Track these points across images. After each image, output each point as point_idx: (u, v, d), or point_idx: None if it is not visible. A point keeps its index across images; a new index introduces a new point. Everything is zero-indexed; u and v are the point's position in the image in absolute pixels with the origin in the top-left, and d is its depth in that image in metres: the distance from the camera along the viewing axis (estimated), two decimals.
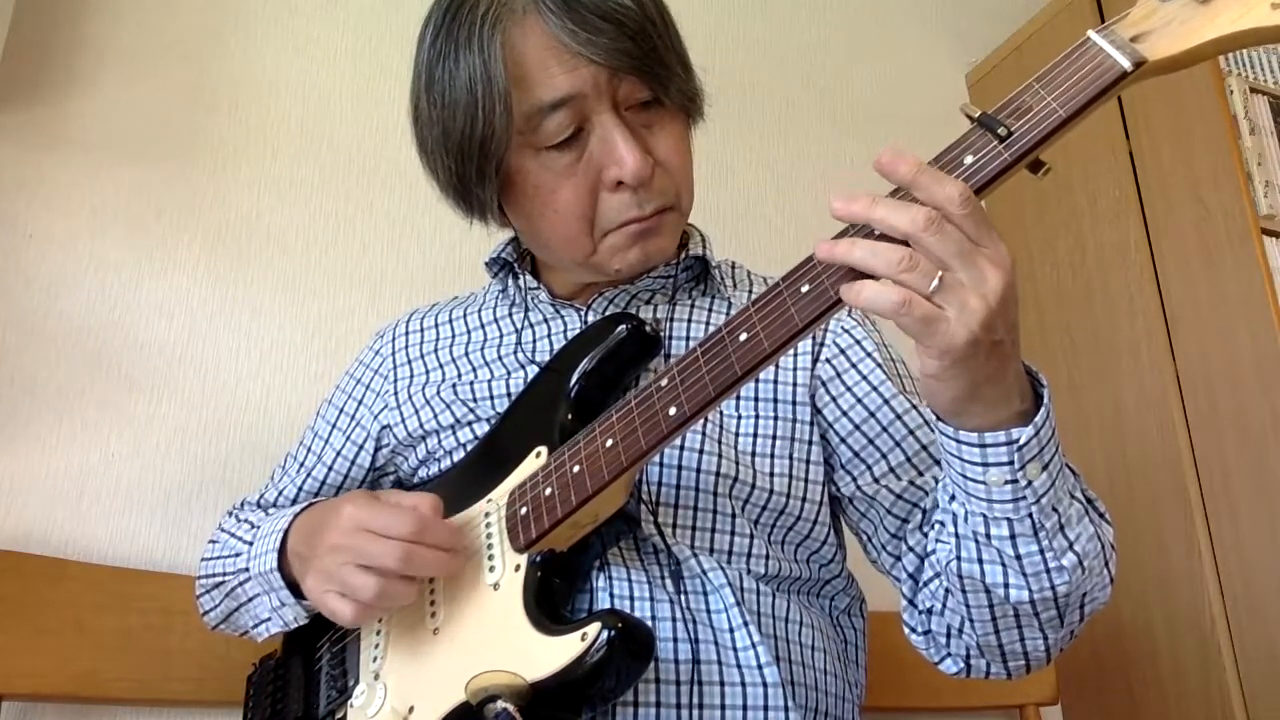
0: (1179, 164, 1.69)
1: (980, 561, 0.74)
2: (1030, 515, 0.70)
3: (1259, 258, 1.54)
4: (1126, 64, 0.61)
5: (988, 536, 0.72)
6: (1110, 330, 1.76)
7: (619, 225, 0.88)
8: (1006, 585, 0.74)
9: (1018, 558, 0.72)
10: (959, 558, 0.75)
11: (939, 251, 0.61)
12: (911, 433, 0.90)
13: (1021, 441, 0.67)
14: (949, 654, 0.84)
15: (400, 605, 0.81)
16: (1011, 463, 0.68)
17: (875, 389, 0.92)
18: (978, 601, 0.77)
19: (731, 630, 0.82)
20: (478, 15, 0.85)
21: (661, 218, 0.89)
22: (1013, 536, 0.71)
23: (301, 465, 1.08)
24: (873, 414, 0.91)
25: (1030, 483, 0.69)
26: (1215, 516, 1.55)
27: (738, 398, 0.91)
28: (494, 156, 0.87)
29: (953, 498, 0.74)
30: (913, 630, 0.86)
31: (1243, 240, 1.56)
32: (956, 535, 0.75)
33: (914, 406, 0.91)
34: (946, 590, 0.79)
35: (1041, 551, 0.72)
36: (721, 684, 0.79)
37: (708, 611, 0.83)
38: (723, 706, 0.79)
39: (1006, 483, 0.69)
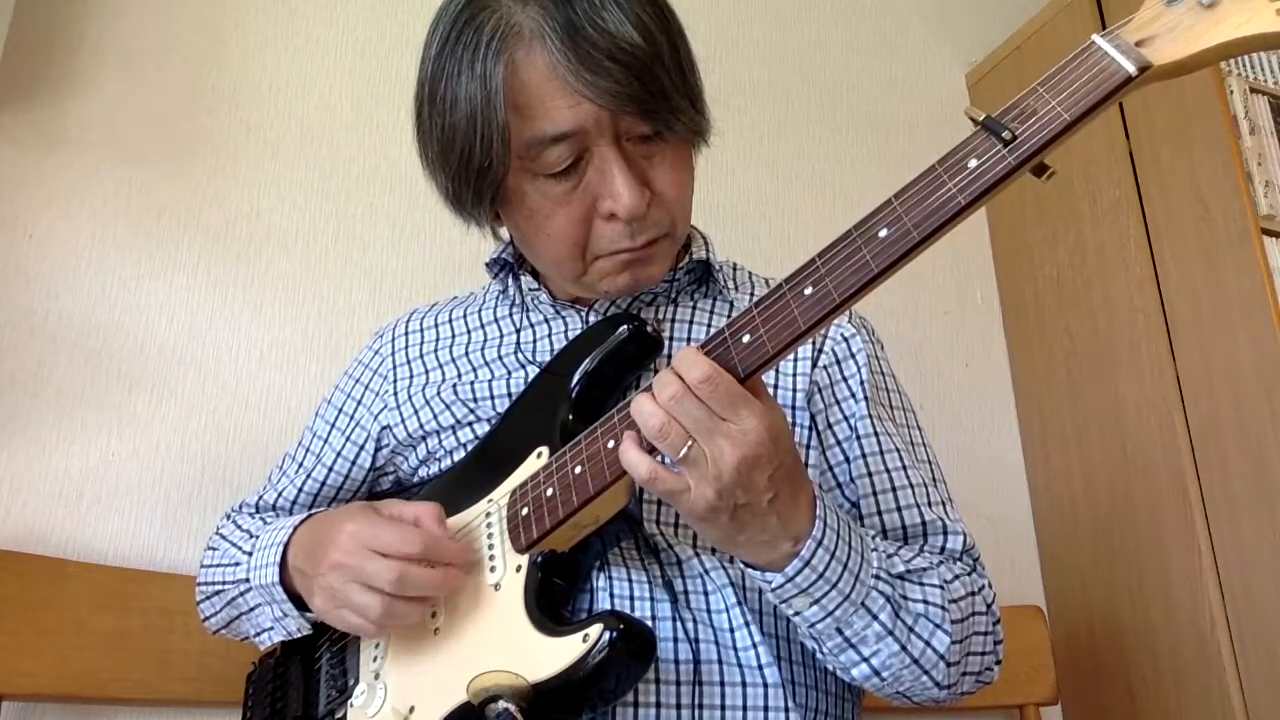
0: (1179, 164, 1.69)
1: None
2: (809, 634, 0.78)
3: (1259, 258, 1.54)
4: (1131, 68, 0.60)
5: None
6: (1110, 330, 1.76)
7: (610, 253, 0.88)
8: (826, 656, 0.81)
9: (822, 652, 0.80)
10: None
11: (684, 424, 0.68)
12: (864, 456, 0.91)
13: (774, 585, 0.74)
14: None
15: (408, 623, 0.81)
16: (775, 594, 0.75)
17: (846, 419, 0.93)
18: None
19: (732, 630, 0.82)
20: (483, 37, 0.82)
21: (653, 247, 0.89)
22: (811, 636, 0.78)
23: (300, 466, 1.08)
24: (839, 442, 0.92)
25: (799, 612, 0.75)
26: (1215, 517, 1.55)
27: None
28: (490, 184, 0.87)
29: None
30: None
31: (1243, 240, 1.56)
32: None
33: (875, 433, 0.92)
34: None
35: (836, 655, 0.78)
36: (722, 684, 0.80)
37: (708, 611, 0.83)
38: (723, 706, 0.79)
39: (780, 604, 0.76)
